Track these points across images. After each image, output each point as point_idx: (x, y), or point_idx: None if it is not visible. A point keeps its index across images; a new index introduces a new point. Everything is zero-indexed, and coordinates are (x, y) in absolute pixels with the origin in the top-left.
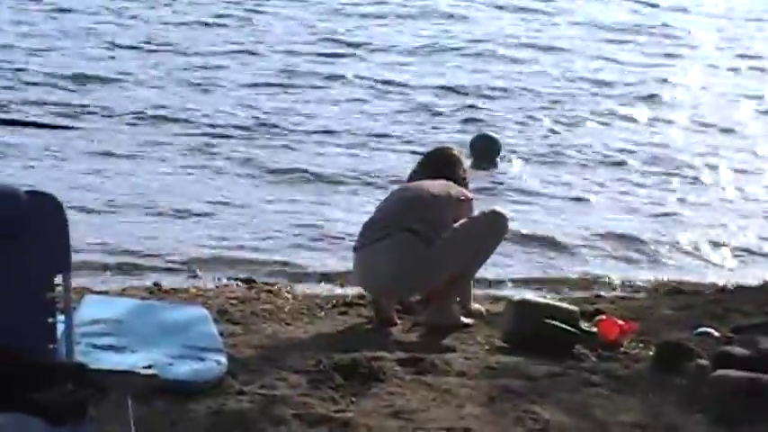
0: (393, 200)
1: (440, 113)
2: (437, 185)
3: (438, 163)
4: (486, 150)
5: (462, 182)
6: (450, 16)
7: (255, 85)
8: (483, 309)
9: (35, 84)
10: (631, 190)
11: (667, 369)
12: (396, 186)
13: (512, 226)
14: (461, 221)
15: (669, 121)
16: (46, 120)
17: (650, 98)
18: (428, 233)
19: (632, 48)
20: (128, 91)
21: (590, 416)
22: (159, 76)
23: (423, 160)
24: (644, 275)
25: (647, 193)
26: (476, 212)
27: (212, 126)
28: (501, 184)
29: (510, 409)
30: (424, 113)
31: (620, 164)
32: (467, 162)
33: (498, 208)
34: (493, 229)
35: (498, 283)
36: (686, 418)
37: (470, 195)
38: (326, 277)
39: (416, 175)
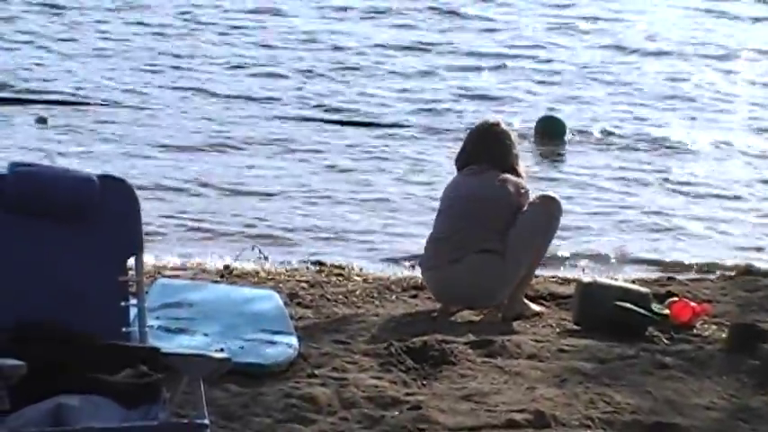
0: (458, 215)
1: None
2: (496, 187)
3: (490, 144)
4: (552, 131)
5: (516, 158)
6: None
7: None
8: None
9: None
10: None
11: (740, 351)
12: (449, 186)
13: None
14: (521, 218)
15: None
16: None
17: None
18: (500, 247)
19: None
20: None
21: (662, 398)
22: None
23: (473, 140)
24: (717, 257)
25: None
26: (530, 200)
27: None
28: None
29: (582, 392)
30: None
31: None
32: (514, 134)
33: (550, 192)
34: (552, 219)
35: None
36: (759, 399)
37: (524, 182)
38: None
39: (468, 159)
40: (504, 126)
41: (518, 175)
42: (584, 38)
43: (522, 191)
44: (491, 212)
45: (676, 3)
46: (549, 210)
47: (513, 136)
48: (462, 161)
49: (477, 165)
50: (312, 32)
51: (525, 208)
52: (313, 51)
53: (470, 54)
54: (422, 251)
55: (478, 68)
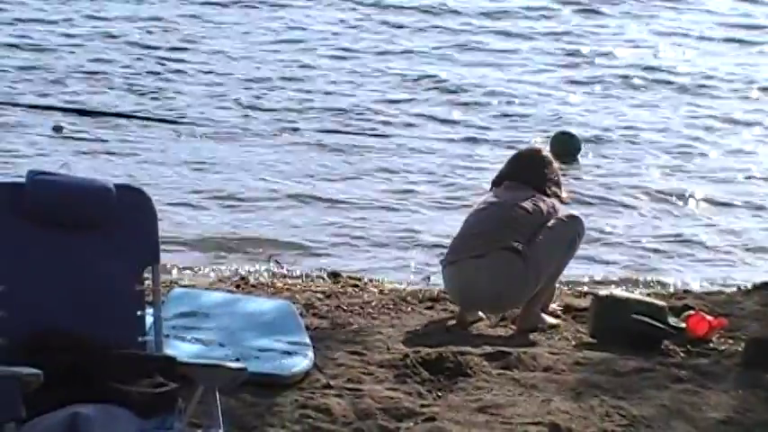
0: (487, 216)
1: None
2: (528, 200)
3: (527, 166)
4: (566, 148)
5: (553, 184)
6: None
7: None
8: (559, 310)
9: None
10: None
11: (756, 365)
12: (482, 197)
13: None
14: (545, 232)
15: None
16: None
17: None
18: (525, 251)
19: None
20: None
21: (678, 412)
22: None
23: (511, 162)
24: (733, 272)
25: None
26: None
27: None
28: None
29: (597, 405)
30: None
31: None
32: (556, 163)
33: (574, 212)
34: (574, 236)
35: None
36: None
37: (558, 205)
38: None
39: (504, 178)
40: (544, 153)
41: (559, 200)
42: None
43: (553, 210)
44: (520, 217)
45: None
46: (573, 227)
47: (555, 164)
48: (498, 181)
49: (515, 182)
50: None
51: (550, 223)
52: None
53: None
54: (437, 265)
55: None
